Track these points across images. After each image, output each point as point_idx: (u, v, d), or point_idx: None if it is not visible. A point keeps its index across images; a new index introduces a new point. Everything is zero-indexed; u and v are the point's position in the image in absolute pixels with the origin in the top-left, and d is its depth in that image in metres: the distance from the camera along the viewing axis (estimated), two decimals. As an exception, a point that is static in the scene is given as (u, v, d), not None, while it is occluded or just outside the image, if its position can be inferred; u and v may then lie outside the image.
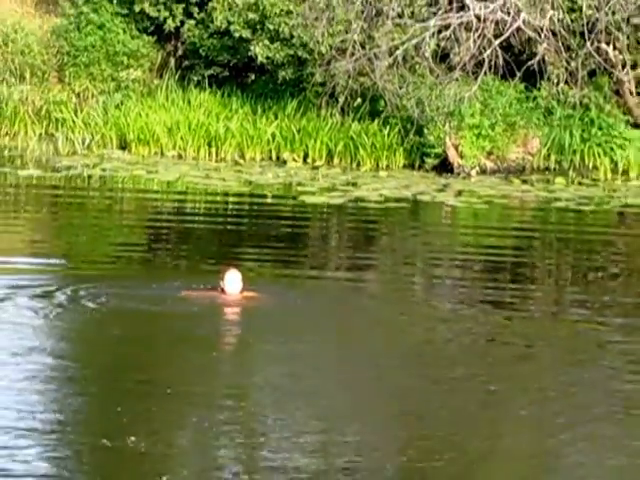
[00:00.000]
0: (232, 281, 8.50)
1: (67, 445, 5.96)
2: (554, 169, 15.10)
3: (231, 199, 14.49)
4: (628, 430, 6.48)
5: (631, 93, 14.80)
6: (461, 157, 14.35)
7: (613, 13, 14.23)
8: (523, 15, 14.22)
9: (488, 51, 14.06)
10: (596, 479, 5.62)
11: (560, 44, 14.54)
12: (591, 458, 5.89)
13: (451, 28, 14.04)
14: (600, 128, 14.60)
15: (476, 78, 14.15)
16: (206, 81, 15.88)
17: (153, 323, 8.56)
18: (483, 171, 14.56)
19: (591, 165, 14.90)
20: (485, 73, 14.29)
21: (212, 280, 8.97)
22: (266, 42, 14.93)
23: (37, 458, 5.51)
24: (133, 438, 5.75)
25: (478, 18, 14.00)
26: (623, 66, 14.68)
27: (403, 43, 14.22)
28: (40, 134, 15.72)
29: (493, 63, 14.24)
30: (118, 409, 6.67)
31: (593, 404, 6.74)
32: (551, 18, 14.35)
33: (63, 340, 8.15)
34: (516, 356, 7.91)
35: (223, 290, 8.70)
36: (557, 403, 6.79)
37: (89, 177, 14.86)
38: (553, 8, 14.39)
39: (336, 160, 15.10)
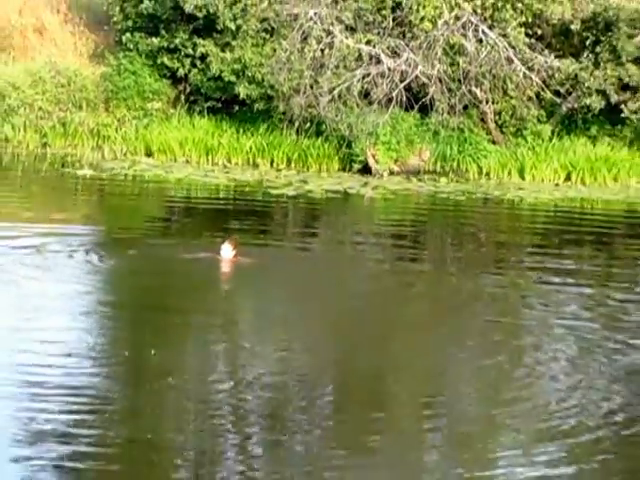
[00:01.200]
0: (225, 249, 11.44)
1: (105, 358, 8.49)
2: (439, 172, 19.05)
3: (221, 190, 17.99)
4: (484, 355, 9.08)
5: (491, 120, 18.75)
6: (377, 163, 18.17)
7: (480, 66, 18.14)
8: (420, 67, 18.00)
9: (396, 91, 17.79)
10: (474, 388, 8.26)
11: (444, 87, 18.36)
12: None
13: (371, 75, 17.88)
14: (471, 144, 18.63)
15: (387, 109, 17.95)
16: (205, 111, 19.75)
17: (169, 273, 11.57)
18: (392, 173, 18.42)
19: (464, 169, 19.02)
20: (393, 106, 18.06)
21: (212, 245, 12.19)
22: (246, 84, 18.54)
23: (87, 371, 7.99)
24: (153, 351, 8.21)
25: (389, 69, 17.92)
26: (486, 102, 18.67)
27: (339, 85, 17.89)
28: (92, 146, 19.44)
29: (399, 99, 18.02)
30: (142, 330, 9.49)
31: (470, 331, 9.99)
32: (438, 69, 18.14)
33: (104, 282, 11.73)
34: (421, 294, 11.43)
35: (219, 253, 11.62)
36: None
37: (125, 175, 18.28)
38: (440, 63, 18.17)
39: (293, 165, 18.97)
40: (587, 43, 19.04)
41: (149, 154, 19.32)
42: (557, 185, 19.01)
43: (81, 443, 6.78)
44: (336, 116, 18.17)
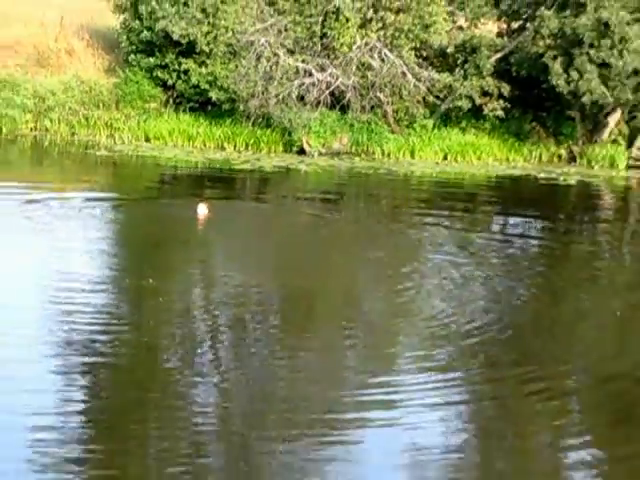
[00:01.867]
0: (201, 208, 13.72)
1: (115, 285, 10.30)
2: (354, 153, 21.84)
3: (200, 166, 20.50)
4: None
5: (391, 117, 21.77)
6: (310, 147, 20.99)
7: (383, 78, 21.00)
8: (340, 79, 20.93)
9: (323, 96, 20.86)
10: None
11: (357, 93, 21.22)
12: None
13: (305, 85, 20.81)
14: (376, 134, 21.70)
15: (317, 109, 20.97)
16: (187, 109, 22.55)
17: (163, 223, 13.82)
18: (320, 154, 21.08)
19: (372, 151, 21.84)
20: (321, 107, 21.07)
21: (192, 204, 14.16)
22: (217, 91, 21.44)
23: (102, 294, 9.70)
24: (151, 280, 9.94)
25: (318, 80, 20.78)
26: (387, 103, 21.51)
27: (282, 91, 20.58)
28: (107, 135, 21.87)
29: (325, 102, 21.03)
30: (142, 264, 11.39)
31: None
32: (353, 80, 20.96)
33: (115, 229, 13.91)
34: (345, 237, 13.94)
35: (196, 212, 13.80)
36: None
37: (130, 155, 20.74)
38: (354, 75, 21.01)
39: (250, 148, 21.53)
40: (458, 62, 22.24)
41: (147, 140, 21.79)
42: (437, 163, 21.88)
43: (98, 346, 8.08)
44: (281, 113, 20.87)
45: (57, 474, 5.44)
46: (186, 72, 21.67)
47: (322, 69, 21.10)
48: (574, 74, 20.02)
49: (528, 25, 22.61)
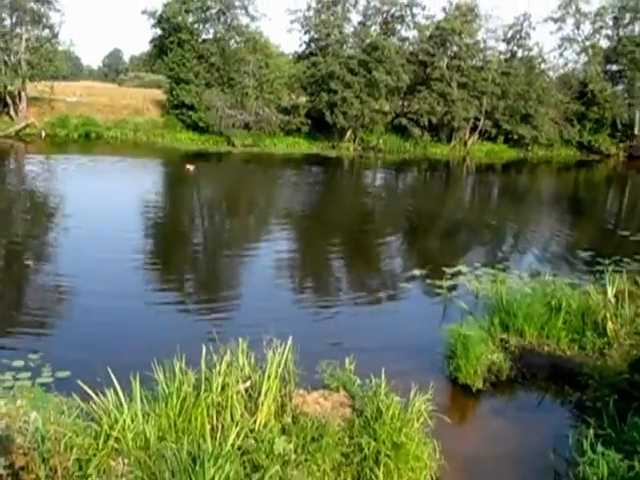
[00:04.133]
0: (190, 166, 36.43)
1: (144, 217, 30.64)
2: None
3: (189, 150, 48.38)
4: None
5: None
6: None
7: None
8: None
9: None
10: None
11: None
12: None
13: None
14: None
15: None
16: (188, 129, 51.72)
17: (174, 175, 39.92)
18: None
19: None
20: None
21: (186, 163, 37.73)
22: (201, 113, 50.04)
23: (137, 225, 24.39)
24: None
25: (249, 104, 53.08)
26: None
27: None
28: (159, 139, 52.55)
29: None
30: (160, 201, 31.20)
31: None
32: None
33: (149, 180, 40.52)
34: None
35: (186, 167, 36.67)
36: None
37: (167, 147, 49.30)
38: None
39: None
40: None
41: (177, 141, 50.86)
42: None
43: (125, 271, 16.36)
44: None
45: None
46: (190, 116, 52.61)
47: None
48: None
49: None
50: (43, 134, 48.55)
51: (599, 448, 7.85)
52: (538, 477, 8.44)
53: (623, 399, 9.38)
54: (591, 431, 8.48)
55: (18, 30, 48.30)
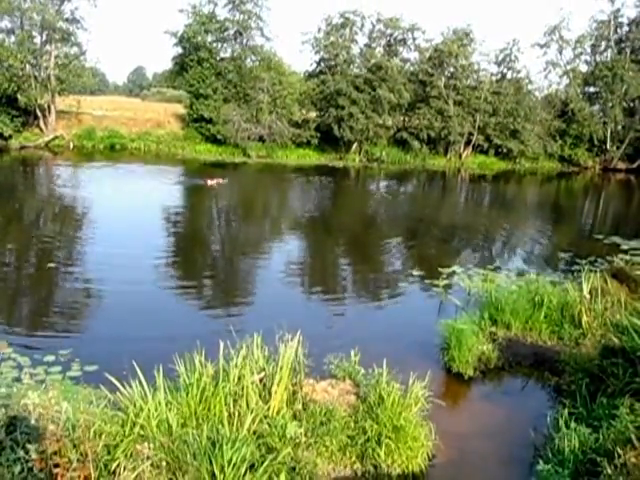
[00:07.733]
0: (211, 180, 35.19)
1: (163, 219, 31.02)
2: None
3: (219, 161, 51.04)
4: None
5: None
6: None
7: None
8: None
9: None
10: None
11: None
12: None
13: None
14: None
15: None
16: (206, 141, 52.53)
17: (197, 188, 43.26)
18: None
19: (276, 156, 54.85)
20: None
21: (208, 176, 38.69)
22: (219, 126, 51.11)
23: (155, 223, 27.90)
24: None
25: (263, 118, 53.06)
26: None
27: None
28: (179, 151, 54.28)
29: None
30: (182, 205, 31.89)
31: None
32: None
33: (172, 189, 42.96)
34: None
35: (206, 182, 35.22)
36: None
37: (187, 158, 50.46)
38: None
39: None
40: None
41: (196, 152, 52.03)
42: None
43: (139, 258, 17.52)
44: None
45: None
46: (209, 129, 53.96)
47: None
48: None
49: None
50: (71, 145, 49.82)
51: (572, 424, 8.39)
52: (520, 451, 8.85)
53: (594, 382, 9.82)
54: (566, 410, 8.99)
55: (48, 47, 49.18)
